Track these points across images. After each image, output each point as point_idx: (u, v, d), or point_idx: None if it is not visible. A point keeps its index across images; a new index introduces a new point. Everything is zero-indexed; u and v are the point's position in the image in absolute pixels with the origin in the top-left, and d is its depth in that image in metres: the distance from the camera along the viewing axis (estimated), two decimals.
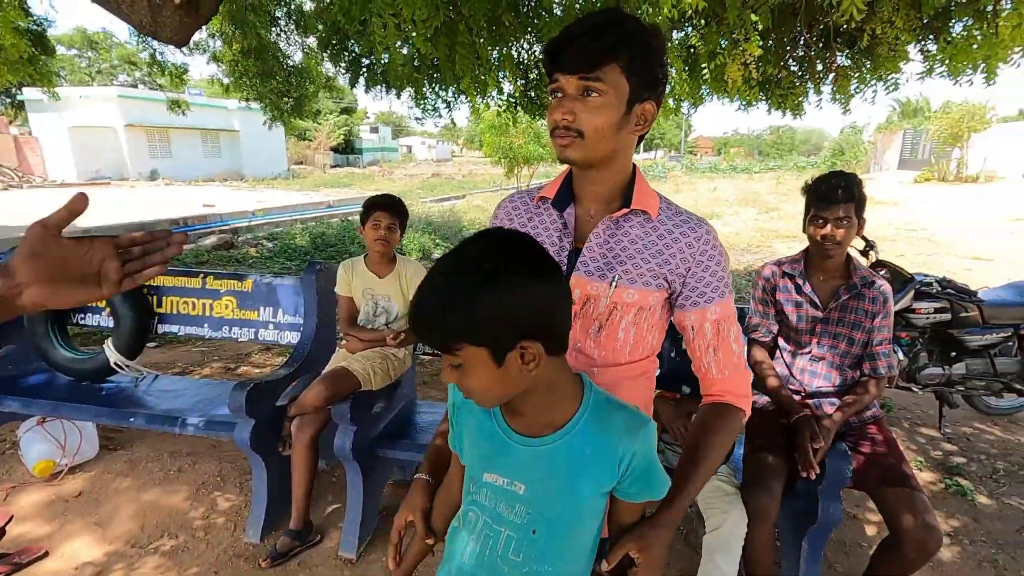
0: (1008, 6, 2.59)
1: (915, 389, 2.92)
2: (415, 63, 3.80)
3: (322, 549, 2.14)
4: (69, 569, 2.02)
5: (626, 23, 0.89)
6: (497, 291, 0.70)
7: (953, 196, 15.35)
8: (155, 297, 2.70)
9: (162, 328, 2.72)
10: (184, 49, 4.49)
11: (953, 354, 2.91)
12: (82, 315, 2.80)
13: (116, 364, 2.58)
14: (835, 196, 1.71)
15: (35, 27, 5.54)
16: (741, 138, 62.34)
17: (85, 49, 33.14)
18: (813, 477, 1.60)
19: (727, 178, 26.54)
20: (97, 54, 33.57)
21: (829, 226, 1.73)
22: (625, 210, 0.99)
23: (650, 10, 2.55)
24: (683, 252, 0.98)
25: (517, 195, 1.13)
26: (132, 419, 2.34)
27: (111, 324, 2.66)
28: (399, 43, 3.59)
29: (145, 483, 2.52)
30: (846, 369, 1.84)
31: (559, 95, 0.92)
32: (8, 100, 23.52)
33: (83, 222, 10.36)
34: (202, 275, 2.68)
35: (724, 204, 15.05)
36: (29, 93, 20.10)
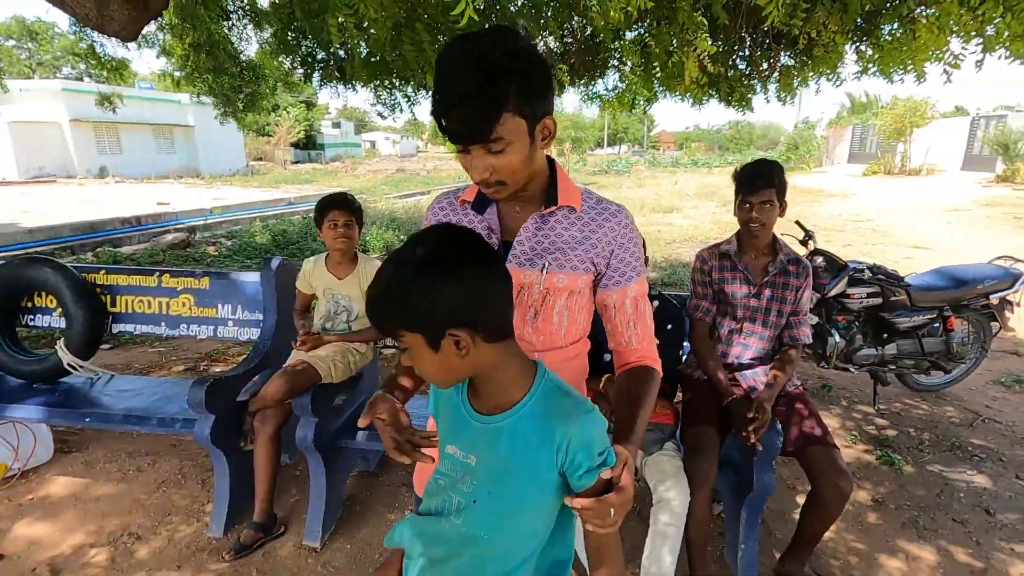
0: (929, 12, 2.80)
1: (852, 369, 3.13)
2: (373, 59, 3.82)
3: (286, 540, 2.18)
4: (25, 571, 2.00)
5: (499, 64, 0.87)
6: (423, 282, 0.77)
7: (897, 188, 16.14)
8: (109, 296, 2.67)
9: (117, 327, 2.69)
10: (131, 43, 4.37)
11: (885, 336, 3.13)
12: (31, 316, 2.74)
13: (69, 365, 2.54)
14: (758, 183, 1.90)
15: None
16: (702, 133, 63.68)
17: (24, 40, 31.40)
18: (759, 448, 1.75)
19: (688, 172, 27.15)
20: (38, 45, 31.86)
21: (754, 210, 1.91)
22: (553, 207, 1.08)
23: (598, 8, 2.64)
24: (607, 237, 1.09)
25: (444, 197, 1.20)
26: (88, 419, 2.32)
27: (63, 324, 2.61)
28: (356, 40, 3.60)
29: (103, 484, 2.49)
30: (769, 340, 2.02)
31: (466, 151, 0.95)
32: None
33: (28, 221, 9.86)
34: (158, 273, 2.66)
35: (685, 197, 15.42)
36: None
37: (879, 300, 3.02)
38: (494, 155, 0.94)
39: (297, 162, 34.56)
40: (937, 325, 3.18)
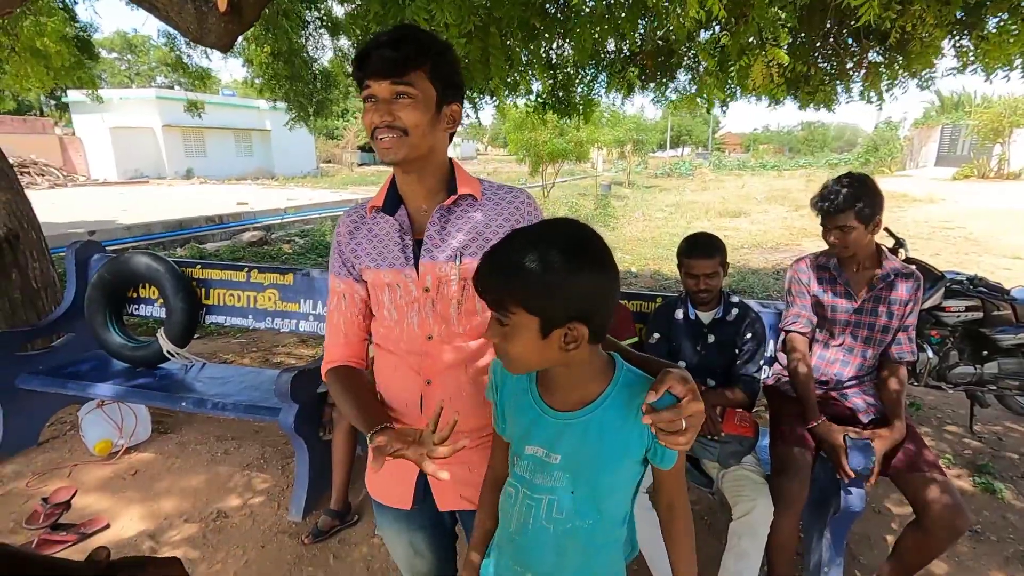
0: None
1: (945, 388, 2.90)
2: None
3: (360, 528, 2.26)
4: (128, 540, 2.18)
5: (423, 35, 1.01)
6: (568, 270, 0.77)
7: (994, 193, 14.85)
8: (203, 289, 2.87)
9: (209, 319, 2.88)
10: (218, 53, 4.69)
11: (985, 353, 2.88)
12: (136, 306, 2.98)
13: (168, 352, 2.75)
14: (830, 208, 1.78)
15: (81, 33, 5.79)
16: (771, 135, 61.09)
17: (125, 52, 34.28)
18: (847, 480, 1.66)
19: (756, 175, 26.12)
20: (136, 57, 34.71)
21: (832, 235, 1.82)
22: (454, 197, 1.09)
23: (678, 10, 2.59)
24: (512, 217, 1.10)
25: (352, 210, 1.19)
26: (184, 403, 2.50)
27: (163, 314, 2.83)
28: None
29: (195, 464, 2.68)
30: (871, 357, 1.89)
31: (373, 100, 1.00)
32: (54, 102, 24.49)
33: (126, 218, 10.71)
34: (247, 269, 2.83)
35: (752, 202, 14.85)
36: (73, 95, 20.88)
37: (979, 314, 2.79)
38: (399, 103, 0.99)
39: (363, 164, 35.81)
40: None
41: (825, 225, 1.84)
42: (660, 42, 3.93)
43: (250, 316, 2.83)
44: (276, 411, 2.30)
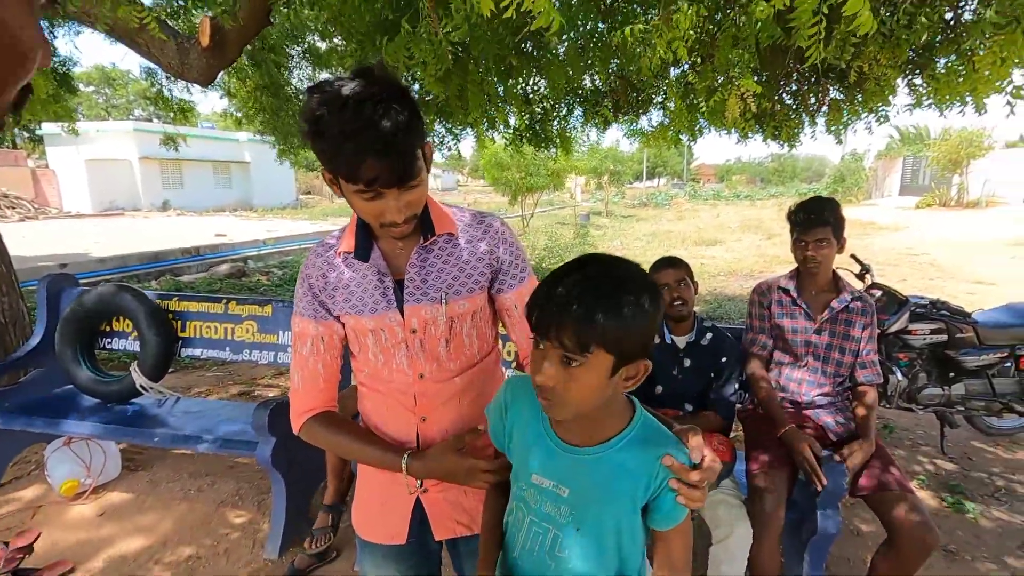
0: (989, 44, 2.75)
1: (915, 409, 2.97)
2: (425, 99, 4.00)
3: (338, 566, 2.20)
4: None
5: (403, 102, 0.88)
6: (650, 308, 0.78)
7: (955, 221, 15.47)
8: (179, 322, 2.82)
9: (185, 352, 2.83)
10: (199, 86, 4.74)
11: (952, 375, 2.97)
12: (109, 339, 2.92)
13: (142, 386, 2.68)
14: (812, 221, 1.91)
15: (60, 67, 5.79)
16: (743, 166, 62.96)
17: (103, 86, 34.16)
18: (820, 488, 1.69)
19: (730, 205, 26.83)
20: (113, 90, 34.60)
21: (810, 248, 1.92)
22: (432, 237, 1.06)
23: (647, 51, 2.72)
24: (490, 246, 1.10)
25: (319, 250, 1.12)
26: (156, 439, 2.44)
27: (137, 348, 2.78)
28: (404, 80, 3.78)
29: (167, 502, 2.60)
30: (837, 378, 1.97)
31: (379, 196, 0.92)
32: (27, 135, 24.17)
33: (99, 251, 10.49)
34: (224, 300, 2.80)
35: (727, 231, 15.21)
36: (48, 128, 20.65)
37: (944, 337, 2.89)
38: (409, 191, 0.93)
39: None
40: (1009, 364, 3.01)
41: (803, 239, 1.94)
42: (631, 80, 4.09)
43: (227, 348, 2.79)
44: (253, 445, 2.25)
